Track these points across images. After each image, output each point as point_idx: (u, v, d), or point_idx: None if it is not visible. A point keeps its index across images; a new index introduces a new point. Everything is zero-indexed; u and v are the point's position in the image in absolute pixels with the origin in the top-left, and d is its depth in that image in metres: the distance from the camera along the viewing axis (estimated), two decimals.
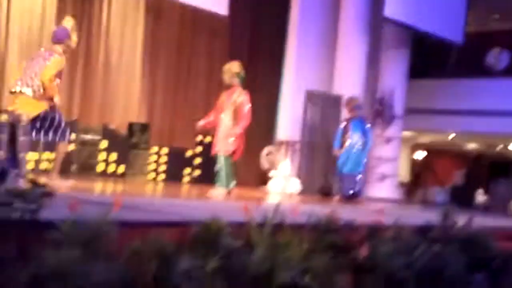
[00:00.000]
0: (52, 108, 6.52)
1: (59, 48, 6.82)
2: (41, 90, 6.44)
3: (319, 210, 5.31)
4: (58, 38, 6.89)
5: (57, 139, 6.67)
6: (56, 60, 6.64)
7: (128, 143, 10.40)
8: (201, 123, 8.48)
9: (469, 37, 15.11)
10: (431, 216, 6.10)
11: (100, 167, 9.86)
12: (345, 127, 10.62)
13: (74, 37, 7.01)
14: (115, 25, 11.55)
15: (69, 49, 7.11)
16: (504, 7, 17.97)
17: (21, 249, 3.22)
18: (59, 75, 6.73)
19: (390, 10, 12.34)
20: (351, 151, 10.41)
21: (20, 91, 6.41)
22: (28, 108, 6.31)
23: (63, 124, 6.63)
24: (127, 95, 11.69)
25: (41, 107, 6.43)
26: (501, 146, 19.97)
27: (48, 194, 4.52)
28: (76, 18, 10.95)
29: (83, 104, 11.14)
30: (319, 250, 4.57)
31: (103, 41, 11.41)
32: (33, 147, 8.96)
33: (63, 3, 10.79)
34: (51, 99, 6.50)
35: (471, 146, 21.16)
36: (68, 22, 7.11)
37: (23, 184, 4.68)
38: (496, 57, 16.05)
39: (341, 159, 10.47)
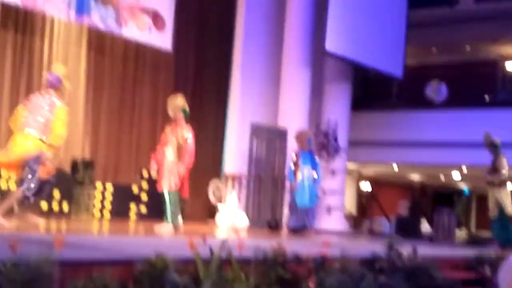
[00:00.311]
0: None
1: (54, 93, 7.38)
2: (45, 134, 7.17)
3: (266, 243, 5.29)
4: (52, 85, 7.41)
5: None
6: (60, 111, 7.33)
7: (72, 180, 10.23)
8: (153, 167, 8.41)
9: (409, 70, 15.46)
10: (377, 247, 6.15)
11: (43, 205, 9.66)
12: (295, 160, 10.67)
13: (66, 84, 7.64)
14: (57, 59, 11.43)
15: (62, 93, 7.60)
16: (441, 41, 18.52)
17: None
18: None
19: (331, 44, 12.55)
20: (304, 184, 10.45)
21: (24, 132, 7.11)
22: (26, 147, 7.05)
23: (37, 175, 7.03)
24: (69, 131, 11.49)
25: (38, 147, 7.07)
26: (443, 176, 20.37)
27: None
28: (16, 52, 10.91)
29: None
30: (266, 284, 4.55)
31: (45, 75, 11.26)
32: None
33: (3, 38, 10.66)
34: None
35: (415, 177, 21.53)
36: (60, 69, 7.72)
37: None
38: (435, 90, 16.44)
39: (297, 193, 10.46)
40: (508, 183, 11.20)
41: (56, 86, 7.47)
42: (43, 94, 7.46)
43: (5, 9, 10.47)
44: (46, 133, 7.21)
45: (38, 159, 7.10)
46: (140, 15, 11.92)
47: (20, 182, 7.19)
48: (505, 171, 11.08)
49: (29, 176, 7.07)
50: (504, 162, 11.04)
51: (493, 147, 11.14)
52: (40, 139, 7.15)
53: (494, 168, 10.90)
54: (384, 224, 16.01)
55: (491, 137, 11.17)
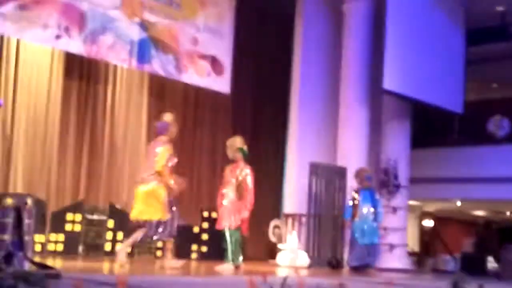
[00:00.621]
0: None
1: (163, 137, 7.98)
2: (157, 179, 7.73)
3: (327, 282, 5.24)
4: (159, 132, 8.07)
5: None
6: (163, 149, 7.80)
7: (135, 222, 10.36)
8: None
9: (470, 106, 15.22)
10: (442, 285, 6.02)
11: (107, 247, 9.80)
12: (355, 198, 10.59)
13: (174, 129, 8.09)
14: (120, 107, 11.68)
15: (172, 138, 8.11)
16: (502, 76, 18.22)
17: None
18: (170, 159, 7.82)
19: (389, 82, 12.45)
20: (365, 222, 10.35)
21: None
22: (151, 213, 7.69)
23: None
24: (132, 175, 11.72)
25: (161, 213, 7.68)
26: (509, 212, 19.84)
27: (53, 275, 4.50)
28: (81, 101, 11.21)
29: (89, 185, 11.16)
30: None
31: (108, 122, 11.50)
32: (41, 228, 8.96)
33: (68, 85, 10.95)
34: (167, 185, 7.75)
35: (479, 213, 21.02)
36: (168, 117, 8.19)
37: (28, 266, 4.66)
38: (496, 125, 16.11)
39: (356, 230, 10.39)
40: None
41: (162, 132, 8.03)
42: (154, 141, 8.13)
43: (70, 58, 10.80)
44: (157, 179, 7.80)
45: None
46: (199, 62, 12.11)
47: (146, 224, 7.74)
48: None
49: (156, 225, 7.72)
50: None
51: None
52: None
53: None
54: (448, 262, 15.61)
55: None
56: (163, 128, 8.04)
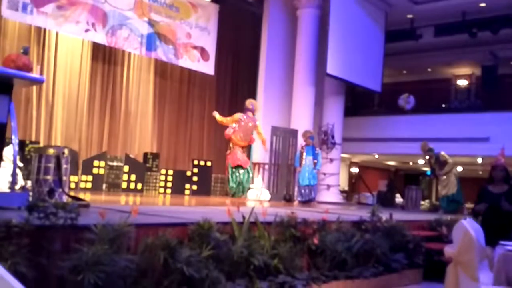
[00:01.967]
0: None
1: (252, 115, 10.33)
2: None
3: (283, 211, 5.28)
4: (251, 110, 10.41)
5: None
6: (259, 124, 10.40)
7: (144, 167, 10.31)
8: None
9: (386, 86, 15.33)
10: (363, 214, 6.11)
11: (124, 185, 9.75)
12: (301, 152, 10.67)
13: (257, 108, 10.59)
14: (133, 83, 11.54)
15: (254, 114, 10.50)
16: (408, 66, 18.37)
17: (64, 246, 3.16)
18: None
19: (331, 68, 12.47)
20: (307, 169, 10.44)
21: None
22: None
23: None
24: (142, 133, 11.64)
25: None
26: (411, 162, 20.17)
27: (84, 205, 4.45)
28: (104, 78, 11.03)
29: (110, 140, 11.08)
30: (283, 240, 4.54)
31: (124, 94, 11.39)
32: (74, 171, 8.86)
33: (94, 67, 10.79)
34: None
35: (391, 163, 21.34)
36: (255, 102, 10.63)
37: (65, 199, 4.60)
38: (405, 100, 16.25)
39: (300, 175, 10.50)
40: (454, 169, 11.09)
41: (253, 111, 10.33)
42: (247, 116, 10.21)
43: (95, 46, 10.59)
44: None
45: None
46: (192, 51, 11.96)
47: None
48: (451, 161, 10.96)
49: None
50: (446, 156, 10.92)
51: (430, 151, 11.08)
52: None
53: (441, 163, 10.79)
54: (368, 197, 15.87)
55: (427, 145, 11.16)
56: (253, 108, 10.40)
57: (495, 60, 16.05)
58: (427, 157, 11.43)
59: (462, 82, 18.16)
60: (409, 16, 15.03)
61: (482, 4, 13.79)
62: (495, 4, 13.49)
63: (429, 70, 18.75)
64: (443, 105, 17.23)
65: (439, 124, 14.55)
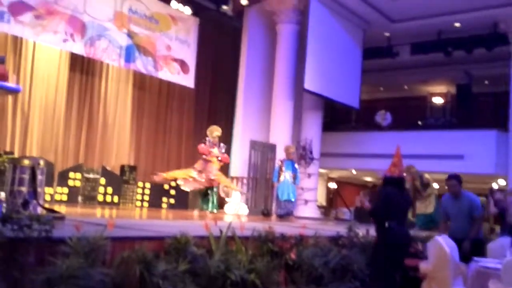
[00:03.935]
0: None
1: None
2: None
3: (261, 226, 5.27)
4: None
5: None
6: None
7: (121, 180, 10.21)
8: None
9: (363, 103, 15.51)
10: (340, 229, 6.14)
11: (100, 198, 9.63)
12: (280, 166, 10.68)
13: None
14: (111, 94, 11.43)
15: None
16: (386, 83, 18.65)
17: (38, 259, 3.11)
18: None
19: (309, 83, 12.59)
20: (287, 184, 10.45)
21: None
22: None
23: None
24: (119, 145, 11.53)
25: None
26: None
27: (59, 218, 4.39)
28: (82, 89, 10.92)
29: (87, 152, 10.93)
30: (260, 255, 4.53)
31: (102, 106, 11.27)
32: (49, 183, 8.73)
33: (72, 77, 10.68)
34: None
35: (368, 179, 21.51)
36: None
37: (40, 211, 4.53)
38: (382, 117, 16.47)
39: (279, 190, 10.48)
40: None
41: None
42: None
43: (73, 57, 10.50)
44: None
45: None
46: (172, 63, 11.92)
47: None
48: (432, 185, 10.93)
49: None
50: (429, 178, 10.88)
51: (415, 173, 10.84)
52: None
53: (424, 185, 10.74)
54: (346, 213, 15.94)
55: (414, 167, 10.79)
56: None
57: (469, 79, 16.42)
58: (413, 179, 11.23)
59: (438, 100, 18.49)
60: (386, 34, 15.29)
61: (457, 24, 14.13)
62: (469, 24, 13.83)
63: (406, 87, 19.06)
64: (419, 122, 17.49)
65: (414, 141, 14.75)
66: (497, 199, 9.84)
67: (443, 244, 3.71)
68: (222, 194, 12.05)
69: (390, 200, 5.06)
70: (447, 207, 6.10)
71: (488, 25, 13.61)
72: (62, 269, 2.99)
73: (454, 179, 5.97)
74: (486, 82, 17.19)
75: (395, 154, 5.61)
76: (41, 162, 4.77)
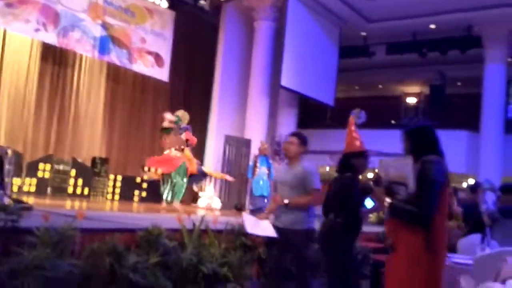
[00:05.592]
0: None
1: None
2: None
3: (234, 220, 5.24)
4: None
5: None
6: None
7: (92, 172, 10.05)
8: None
9: (338, 101, 15.58)
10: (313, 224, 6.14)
11: (70, 190, 9.46)
12: (255, 162, 10.65)
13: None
14: (83, 86, 11.25)
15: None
16: (361, 82, 18.80)
17: (4, 249, 3.02)
18: None
19: (285, 80, 12.60)
20: (261, 179, 10.43)
21: None
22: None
23: None
24: (91, 137, 11.35)
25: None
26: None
27: (26, 208, 4.27)
28: (53, 80, 10.70)
29: (57, 143, 10.74)
30: (233, 248, 4.51)
31: (74, 97, 11.09)
32: (18, 173, 8.53)
33: (43, 68, 10.46)
34: None
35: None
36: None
37: (7, 201, 4.41)
38: (357, 115, 16.58)
39: (253, 185, 10.45)
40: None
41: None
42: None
43: (46, 47, 10.29)
44: None
45: None
46: (146, 56, 11.80)
47: None
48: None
49: None
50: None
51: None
52: None
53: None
54: (320, 209, 16.00)
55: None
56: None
57: (443, 79, 16.66)
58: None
59: (411, 100, 18.73)
60: (363, 33, 15.40)
61: (432, 26, 14.32)
62: (444, 26, 14.03)
63: (380, 86, 19.24)
64: (393, 121, 17.68)
65: (388, 139, 14.88)
66: (460, 198, 10.03)
67: None
68: (195, 188, 12.00)
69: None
70: None
71: (463, 27, 13.82)
72: (28, 259, 2.92)
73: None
74: (459, 83, 17.49)
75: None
76: (9, 151, 4.65)
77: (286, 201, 4.08)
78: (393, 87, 19.03)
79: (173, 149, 8.26)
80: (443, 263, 2.75)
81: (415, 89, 18.88)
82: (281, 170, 4.81)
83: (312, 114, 17.68)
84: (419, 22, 14.16)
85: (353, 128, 4.79)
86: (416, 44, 14.79)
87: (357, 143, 4.66)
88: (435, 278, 2.73)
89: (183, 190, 8.09)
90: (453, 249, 4.94)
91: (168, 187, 8.02)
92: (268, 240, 4.08)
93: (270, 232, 3.91)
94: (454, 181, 14.64)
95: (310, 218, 4.20)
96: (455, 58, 14.92)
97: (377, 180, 3.45)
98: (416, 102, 18.67)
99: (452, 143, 13.92)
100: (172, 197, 7.94)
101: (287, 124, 14.24)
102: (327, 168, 18.56)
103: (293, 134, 4.73)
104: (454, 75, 16.51)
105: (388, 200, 3.02)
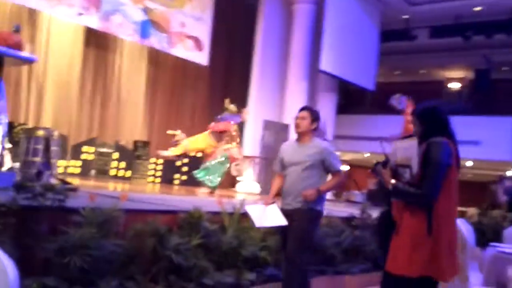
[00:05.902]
0: None
1: None
2: None
3: None
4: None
5: None
6: None
7: (133, 155, 10.22)
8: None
9: (379, 85, 15.31)
10: (353, 211, 6.09)
11: (112, 172, 9.66)
12: None
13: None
14: (125, 70, 11.41)
15: None
16: (402, 66, 18.38)
17: (51, 228, 3.10)
18: None
19: (324, 64, 12.44)
20: None
21: None
22: None
23: None
24: (133, 121, 11.53)
25: None
26: None
27: (72, 189, 4.37)
28: (96, 63, 10.89)
29: (100, 126, 10.96)
30: (272, 233, 4.50)
31: (116, 82, 11.26)
32: (63, 156, 8.75)
33: (86, 51, 10.64)
34: None
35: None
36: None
37: (53, 181, 4.52)
38: (397, 100, 16.24)
39: None
40: None
41: None
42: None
43: (88, 31, 10.45)
44: None
45: None
46: (185, 40, 11.85)
47: None
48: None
49: None
50: None
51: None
52: None
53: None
54: (357, 195, 15.87)
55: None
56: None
57: (488, 64, 16.11)
58: None
59: (454, 85, 18.21)
60: (405, 16, 15.02)
61: (478, 8, 13.82)
62: (490, 9, 13.53)
63: (422, 71, 18.78)
64: None
65: None
66: (507, 186, 9.72)
67: (459, 227, 3.63)
68: (234, 173, 12.06)
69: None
70: None
71: (509, 10, 13.28)
72: (75, 238, 2.98)
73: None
74: (505, 68, 16.87)
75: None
76: (55, 134, 4.76)
77: (318, 188, 3.81)
78: (435, 72, 18.55)
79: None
80: (445, 249, 2.66)
81: (459, 74, 18.33)
82: (287, 149, 4.29)
83: (352, 100, 17.45)
84: (463, 5, 13.71)
85: (409, 111, 4.74)
86: (460, 28, 14.34)
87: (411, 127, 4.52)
88: (436, 263, 2.65)
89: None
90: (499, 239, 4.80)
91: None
92: (279, 229, 3.80)
93: (279, 220, 3.64)
94: (499, 169, 14.23)
95: (321, 202, 3.93)
96: (501, 42, 14.39)
97: (384, 162, 3.32)
98: (460, 87, 18.13)
99: (497, 130, 13.55)
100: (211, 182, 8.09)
101: (327, 109, 14.07)
102: (366, 154, 18.35)
103: (304, 108, 4.33)
104: (500, 59, 15.93)
105: (392, 181, 2.95)
